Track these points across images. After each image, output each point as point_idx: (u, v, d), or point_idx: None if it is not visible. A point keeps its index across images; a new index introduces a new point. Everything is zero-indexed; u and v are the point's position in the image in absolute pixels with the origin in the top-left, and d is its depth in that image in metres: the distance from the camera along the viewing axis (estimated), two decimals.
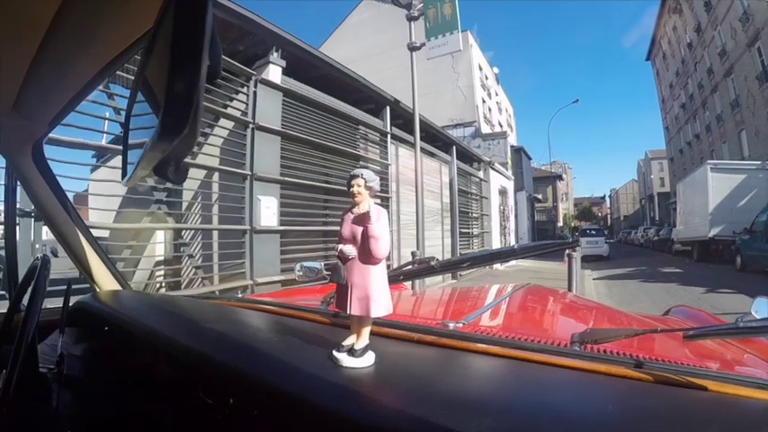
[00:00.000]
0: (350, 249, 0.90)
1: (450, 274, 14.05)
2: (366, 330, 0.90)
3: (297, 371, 0.86)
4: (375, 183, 0.92)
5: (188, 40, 0.46)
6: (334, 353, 0.89)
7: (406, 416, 0.68)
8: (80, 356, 1.45)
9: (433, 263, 1.68)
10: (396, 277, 1.71)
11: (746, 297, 9.60)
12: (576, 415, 0.75)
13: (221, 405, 0.88)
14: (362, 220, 0.89)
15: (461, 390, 0.83)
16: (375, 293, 0.88)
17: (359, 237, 0.90)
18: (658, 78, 50.70)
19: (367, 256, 0.89)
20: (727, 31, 30.19)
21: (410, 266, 1.86)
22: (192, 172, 6.56)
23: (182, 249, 6.51)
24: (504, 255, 1.87)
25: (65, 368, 1.37)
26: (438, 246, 14.03)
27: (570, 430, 0.67)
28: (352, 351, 0.88)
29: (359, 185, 0.90)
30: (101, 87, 4.26)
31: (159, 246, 6.40)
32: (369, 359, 0.88)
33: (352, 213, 0.92)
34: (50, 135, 4.01)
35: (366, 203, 0.90)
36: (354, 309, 0.88)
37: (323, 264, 1.96)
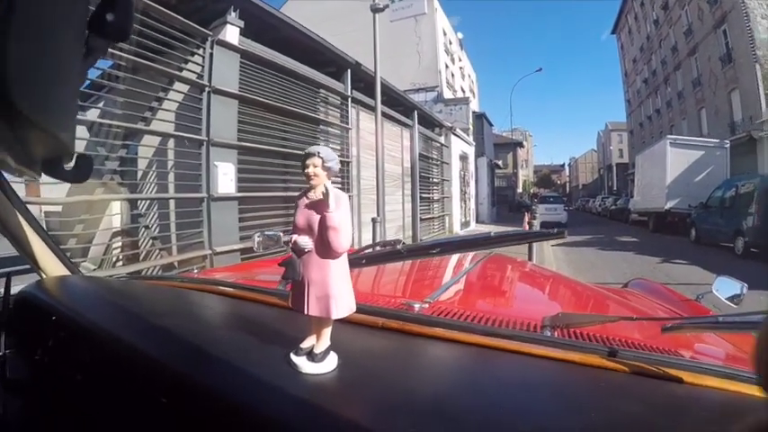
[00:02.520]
0: (305, 241, 0.78)
1: (411, 238, 14.18)
2: (326, 331, 0.79)
3: (253, 380, 0.76)
4: (334, 163, 0.79)
5: None
6: (293, 357, 0.78)
7: None
8: (26, 355, 1.35)
9: (399, 246, 1.63)
10: (357, 262, 1.66)
11: (700, 269, 10.00)
12: (550, 419, 0.71)
13: (177, 404, 0.82)
14: (319, 206, 0.76)
15: (434, 394, 0.77)
16: (336, 292, 0.77)
17: (315, 226, 0.77)
18: (623, 52, 51.62)
19: (325, 249, 0.77)
20: (694, 11, 30.85)
21: (372, 249, 1.82)
22: (147, 139, 6.35)
23: (138, 220, 6.30)
24: (479, 242, 1.81)
25: (9, 371, 1.28)
26: (398, 210, 14.11)
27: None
28: (311, 355, 0.78)
29: (315, 166, 0.77)
30: None
31: (114, 218, 6.20)
32: (331, 363, 0.78)
33: (308, 198, 0.79)
34: None
35: (323, 187, 0.77)
36: (313, 309, 0.77)
37: (282, 232, 1.86)
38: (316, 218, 0.77)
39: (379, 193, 10.70)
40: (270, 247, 1.84)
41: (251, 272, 2.47)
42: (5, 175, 1.56)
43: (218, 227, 6.58)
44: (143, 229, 6.38)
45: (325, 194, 0.76)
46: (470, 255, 2.47)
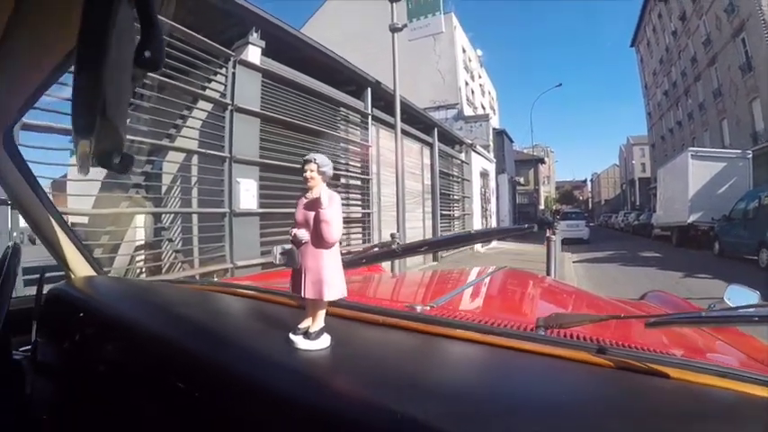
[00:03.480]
0: (303, 234, 0.90)
1: (431, 257, 14.14)
2: (321, 313, 0.90)
3: (256, 355, 0.87)
4: (328, 168, 0.92)
5: (91, 36, 0.47)
6: (291, 336, 0.90)
7: (354, 399, 0.70)
8: (55, 343, 1.46)
9: (394, 246, 1.71)
10: (358, 261, 1.73)
11: (723, 282, 9.70)
12: (526, 401, 0.75)
13: (191, 389, 0.90)
14: (315, 204, 0.89)
15: (417, 374, 0.83)
16: (328, 277, 0.88)
17: (311, 221, 0.90)
18: (642, 65, 51.17)
19: (319, 241, 0.89)
20: (712, 20, 30.60)
21: (374, 250, 1.88)
22: (171, 155, 6.51)
23: (161, 234, 6.46)
24: (462, 239, 1.91)
25: (39, 355, 1.39)
26: (419, 228, 14.04)
27: (515, 416, 0.67)
28: (307, 334, 0.89)
29: (312, 170, 0.90)
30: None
31: (138, 230, 6.34)
32: (324, 342, 0.89)
33: (306, 198, 0.92)
34: (26, 121, 3.98)
35: (318, 188, 0.90)
36: (308, 292, 0.89)
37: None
38: (312, 214, 0.90)
39: (400, 209, 10.72)
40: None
41: (268, 280, 2.55)
42: (39, 181, 1.69)
43: (240, 241, 6.69)
44: (166, 242, 6.55)
45: (320, 194, 0.89)
46: (487, 269, 2.50)
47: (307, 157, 0.92)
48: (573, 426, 0.64)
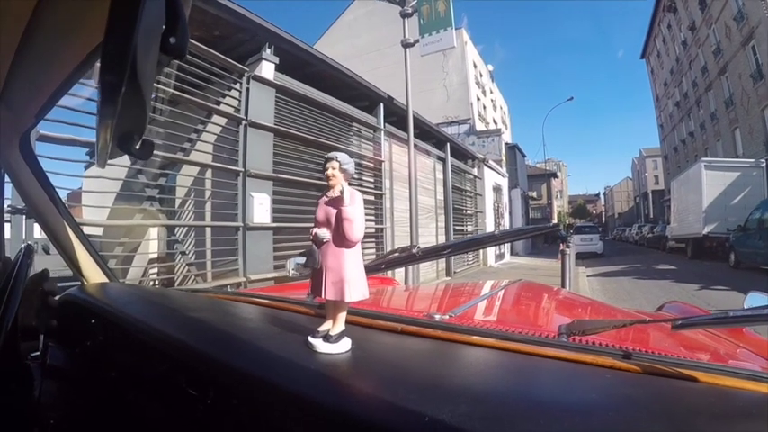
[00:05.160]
0: (324, 233, 0.88)
1: (444, 272, 14.10)
2: (341, 316, 0.87)
3: (274, 358, 0.85)
4: (350, 165, 0.90)
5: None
6: (310, 338, 0.87)
7: (378, 402, 0.67)
8: (66, 348, 1.46)
9: (414, 250, 1.69)
10: (378, 266, 1.71)
11: (740, 294, 9.59)
12: (555, 403, 0.72)
13: (203, 395, 0.88)
14: (336, 202, 0.87)
15: (440, 377, 0.80)
16: (350, 277, 0.85)
17: (333, 220, 0.87)
18: (653, 76, 51.06)
19: (341, 240, 0.86)
20: (721, 29, 30.48)
21: (393, 255, 1.87)
22: (185, 169, 6.56)
23: (175, 246, 6.48)
24: (484, 241, 1.88)
25: (48, 358, 1.40)
26: (432, 243, 13.92)
27: (546, 417, 0.63)
28: (327, 337, 0.86)
29: (333, 168, 0.89)
30: (94, 84, 4.24)
31: (152, 243, 6.39)
32: (344, 345, 0.86)
33: (327, 197, 0.90)
34: (43, 132, 4.02)
35: (340, 186, 0.88)
36: (329, 293, 0.86)
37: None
38: (333, 212, 0.88)
39: (413, 224, 10.70)
40: (304, 273, 1.92)
41: (283, 292, 2.55)
42: (63, 194, 1.71)
43: (253, 255, 6.71)
44: (180, 255, 6.56)
45: (342, 192, 0.87)
46: (502, 282, 2.48)
47: (328, 155, 0.91)
48: (605, 425, 0.62)
